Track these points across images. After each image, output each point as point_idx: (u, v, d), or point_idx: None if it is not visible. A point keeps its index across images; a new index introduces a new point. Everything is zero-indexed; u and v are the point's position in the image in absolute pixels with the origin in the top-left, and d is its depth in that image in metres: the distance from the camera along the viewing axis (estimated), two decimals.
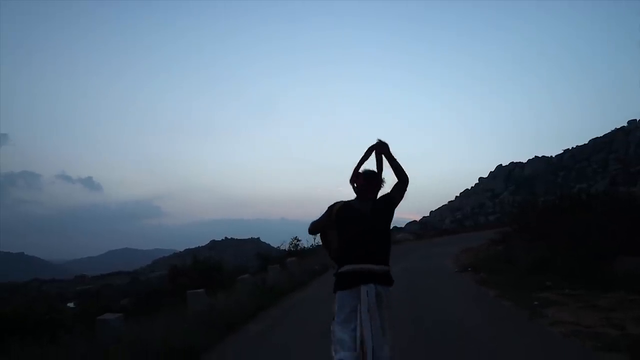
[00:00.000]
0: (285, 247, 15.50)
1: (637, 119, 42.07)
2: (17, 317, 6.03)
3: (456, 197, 54.32)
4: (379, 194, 3.32)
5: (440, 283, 9.24)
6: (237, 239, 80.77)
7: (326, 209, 3.35)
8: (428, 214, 51.29)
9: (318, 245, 17.10)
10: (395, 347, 3.12)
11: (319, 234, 3.53)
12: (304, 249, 16.02)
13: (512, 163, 51.57)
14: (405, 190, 3.29)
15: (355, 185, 3.33)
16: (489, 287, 8.05)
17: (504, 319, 5.84)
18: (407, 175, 3.28)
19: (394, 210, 3.32)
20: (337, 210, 3.24)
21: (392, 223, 3.39)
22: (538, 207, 11.24)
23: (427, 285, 8.90)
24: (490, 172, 53.03)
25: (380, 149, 3.24)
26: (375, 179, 3.28)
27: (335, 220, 3.25)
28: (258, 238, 79.91)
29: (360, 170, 3.31)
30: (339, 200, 3.34)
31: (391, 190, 3.29)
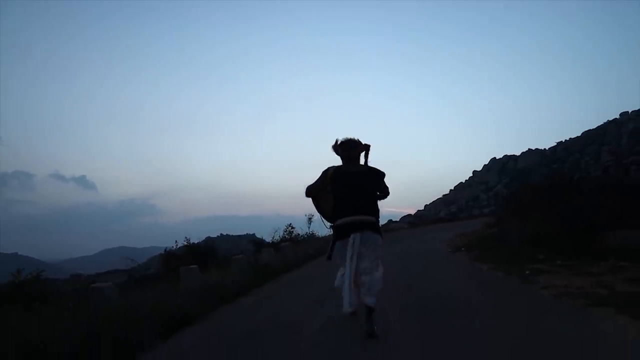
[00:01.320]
0: (280, 234, 15.39)
1: (629, 111, 42.32)
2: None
3: (450, 190, 54.58)
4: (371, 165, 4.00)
5: (434, 262, 9.28)
6: (232, 235, 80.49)
7: (320, 173, 3.95)
8: (423, 208, 51.43)
9: (312, 234, 17.11)
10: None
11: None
12: (298, 236, 15.95)
13: (505, 156, 51.83)
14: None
15: (339, 154, 3.98)
16: (482, 263, 8.10)
17: (496, 286, 5.89)
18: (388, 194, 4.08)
19: (378, 180, 3.97)
20: (331, 174, 3.85)
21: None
22: (530, 188, 11.31)
23: (421, 264, 8.92)
24: (485, 165, 53.31)
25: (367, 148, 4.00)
26: (352, 146, 3.94)
27: (330, 182, 3.84)
28: (253, 234, 79.53)
29: (339, 140, 3.96)
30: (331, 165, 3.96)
31: (382, 183, 3.98)
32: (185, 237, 11.33)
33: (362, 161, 4.00)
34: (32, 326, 4.16)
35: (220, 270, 8.47)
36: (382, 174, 4.00)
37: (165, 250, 11.09)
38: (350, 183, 3.80)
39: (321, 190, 3.98)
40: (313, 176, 4.08)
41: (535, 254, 7.79)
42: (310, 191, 4.05)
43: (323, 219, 4.14)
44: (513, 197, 12.14)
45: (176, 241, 11.88)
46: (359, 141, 3.98)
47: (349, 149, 3.94)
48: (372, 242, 3.77)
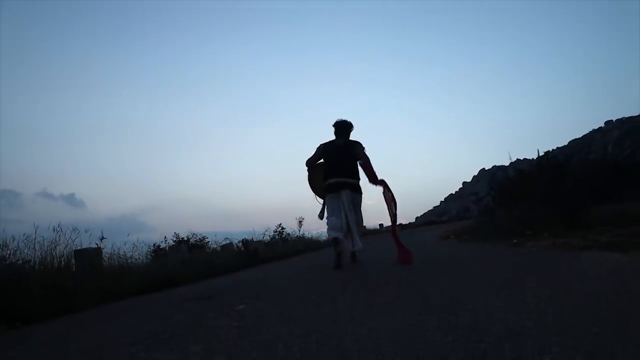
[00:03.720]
0: (270, 234, 15.28)
1: (614, 120, 43.09)
2: None
3: (441, 202, 54.71)
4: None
5: (427, 244, 9.38)
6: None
7: (316, 149, 5.10)
8: (414, 220, 51.46)
9: (303, 236, 17.04)
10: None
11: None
12: (288, 235, 15.86)
13: (494, 167, 52.26)
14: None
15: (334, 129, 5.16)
16: (470, 242, 8.15)
17: (486, 251, 5.95)
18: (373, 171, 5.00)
19: (357, 149, 4.99)
20: (324, 146, 5.04)
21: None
22: (518, 174, 11.44)
23: (416, 246, 8.97)
24: (474, 176, 53.62)
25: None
26: (342, 126, 5.09)
27: (322, 153, 5.03)
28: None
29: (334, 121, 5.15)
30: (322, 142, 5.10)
31: (361, 152, 4.97)
32: (175, 233, 11.22)
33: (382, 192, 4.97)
34: None
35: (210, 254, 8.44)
36: (360, 144, 5.01)
37: (154, 245, 10.95)
38: (337, 152, 4.94)
39: (314, 164, 5.12)
40: (306, 192, 5.20)
41: (522, 231, 7.85)
42: (310, 162, 5.10)
43: (316, 196, 5.21)
44: (500, 187, 12.24)
45: (165, 237, 11.76)
46: (350, 123, 5.15)
47: (339, 127, 5.10)
48: (355, 199, 4.88)
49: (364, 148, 4.98)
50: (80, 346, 2.28)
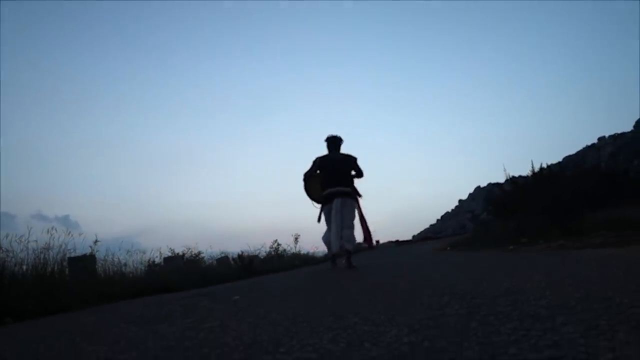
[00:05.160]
0: (266, 250, 15.12)
1: (606, 136, 43.63)
2: None
3: (437, 220, 54.69)
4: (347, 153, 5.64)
5: (425, 255, 9.34)
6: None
7: (312, 162, 5.54)
8: (411, 238, 51.34)
9: (299, 252, 16.93)
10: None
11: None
12: (284, 251, 15.71)
13: (490, 184, 52.50)
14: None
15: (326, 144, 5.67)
16: (467, 251, 8.15)
17: (482, 257, 5.95)
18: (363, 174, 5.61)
19: (352, 162, 5.50)
20: (319, 159, 5.50)
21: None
22: (514, 184, 11.53)
23: (414, 256, 8.96)
24: (470, 193, 53.74)
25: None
26: (333, 141, 5.62)
27: (318, 164, 5.47)
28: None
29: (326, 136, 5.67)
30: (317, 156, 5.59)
31: (355, 164, 5.50)
32: (170, 247, 11.10)
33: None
34: None
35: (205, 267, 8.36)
36: (354, 158, 5.53)
37: (148, 260, 10.82)
38: (332, 165, 5.43)
39: (313, 175, 5.53)
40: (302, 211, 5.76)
41: (518, 239, 7.87)
42: (306, 175, 5.54)
43: (313, 202, 5.59)
44: (496, 199, 12.30)
45: (160, 251, 11.61)
46: (340, 137, 5.68)
47: (330, 141, 5.61)
48: (349, 205, 5.31)
49: (356, 159, 5.58)
50: (76, 328, 2.26)
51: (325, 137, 5.70)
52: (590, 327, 1.01)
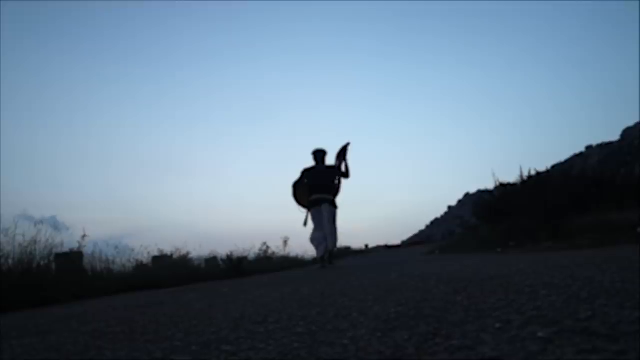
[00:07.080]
0: (255, 252, 15.04)
1: (594, 145, 44.29)
2: None
3: (426, 226, 54.90)
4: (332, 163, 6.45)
5: (412, 258, 9.38)
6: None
7: (300, 173, 6.33)
8: (399, 243, 51.46)
9: (288, 255, 16.89)
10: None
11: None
12: (273, 254, 15.64)
13: (479, 191, 52.88)
14: (341, 181, 6.35)
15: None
16: (455, 254, 8.21)
17: (471, 259, 6.01)
18: (349, 175, 6.45)
19: (334, 173, 6.33)
20: (306, 170, 6.28)
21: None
22: (502, 189, 11.64)
23: (399, 260, 9.00)
24: (459, 200, 54.07)
25: (346, 145, 6.56)
26: (319, 153, 6.38)
27: (305, 175, 6.24)
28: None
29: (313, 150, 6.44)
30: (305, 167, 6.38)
31: (338, 172, 6.32)
32: (158, 248, 11.00)
33: (332, 162, 6.39)
34: None
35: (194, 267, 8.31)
36: (337, 169, 6.30)
37: (136, 260, 10.69)
38: (317, 175, 6.24)
39: (300, 183, 6.29)
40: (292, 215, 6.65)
41: (506, 242, 7.95)
42: (295, 184, 6.30)
43: (299, 207, 6.24)
44: (484, 203, 12.41)
45: (148, 252, 11.48)
46: (325, 150, 6.44)
47: (316, 154, 6.37)
48: (332, 212, 6.08)
49: (339, 169, 6.37)
50: (68, 313, 2.24)
51: (312, 151, 6.50)
52: (572, 297, 1.04)
